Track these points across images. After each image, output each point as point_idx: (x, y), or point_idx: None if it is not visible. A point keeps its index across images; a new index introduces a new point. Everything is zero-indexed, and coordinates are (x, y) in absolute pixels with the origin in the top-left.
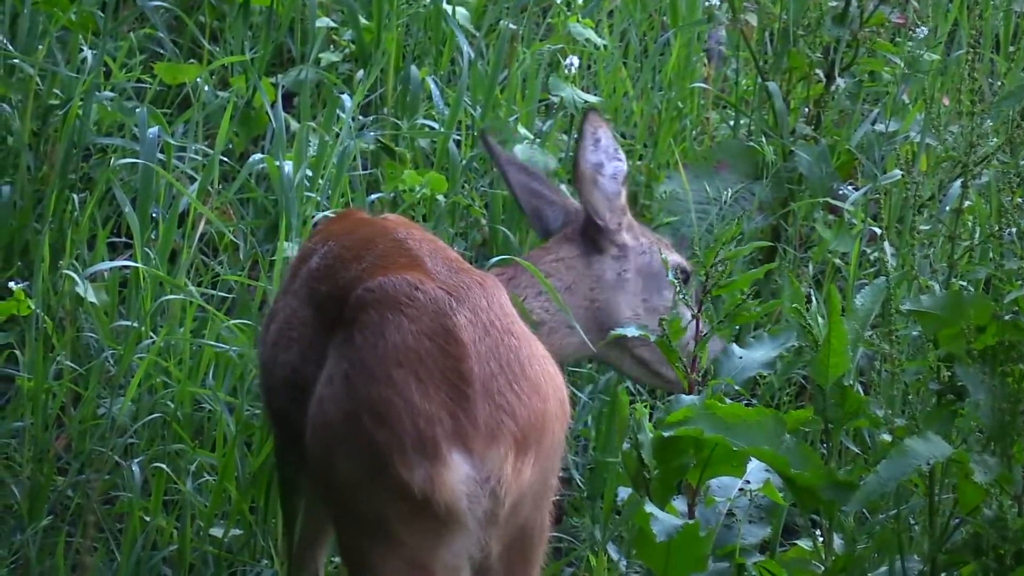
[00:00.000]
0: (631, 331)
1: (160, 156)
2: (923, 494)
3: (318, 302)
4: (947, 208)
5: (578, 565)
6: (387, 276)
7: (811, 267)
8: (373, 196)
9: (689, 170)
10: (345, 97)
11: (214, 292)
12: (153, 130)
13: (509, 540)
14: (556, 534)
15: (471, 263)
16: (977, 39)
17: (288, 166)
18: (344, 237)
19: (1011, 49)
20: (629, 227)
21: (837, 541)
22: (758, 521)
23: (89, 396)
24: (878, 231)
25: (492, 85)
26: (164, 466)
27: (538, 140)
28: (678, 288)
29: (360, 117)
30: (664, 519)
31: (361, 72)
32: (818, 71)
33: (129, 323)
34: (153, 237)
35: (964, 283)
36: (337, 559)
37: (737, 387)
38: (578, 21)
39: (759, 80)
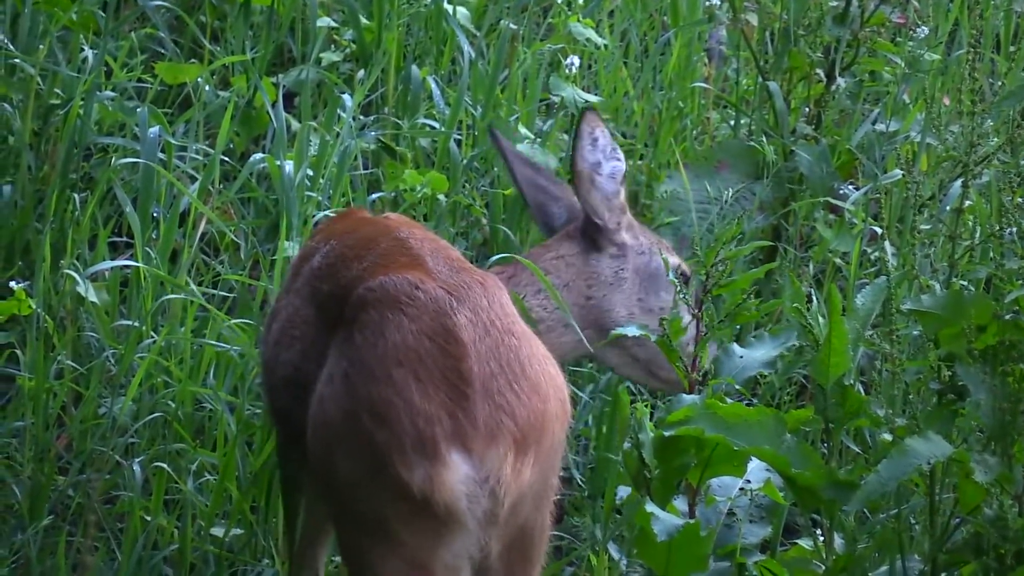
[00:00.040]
0: (632, 331)
1: (161, 156)
2: (924, 494)
3: (320, 301)
4: (948, 208)
5: (579, 564)
6: (388, 275)
7: (812, 267)
8: (374, 196)
9: (690, 170)
10: (346, 97)
11: (215, 292)
12: (154, 130)
13: (509, 540)
14: (557, 533)
15: (472, 262)
16: (978, 39)
17: (289, 166)
18: (346, 236)
19: (1012, 49)
20: (629, 226)
21: (838, 540)
22: (759, 520)
23: (90, 396)
24: (879, 231)
25: (493, 85)
26: (165, 466)
27: (539, 140)
28: (678, 288)
29: (361, 117)
30: (665, 518)
31: (362, 72)
32: (819, 71)
33: (130, 323)
34: (154, 237)
35: (965, 283)
36: (337, 559)
37: (738, 387)
38: (579, 21)
39: (760, 80)
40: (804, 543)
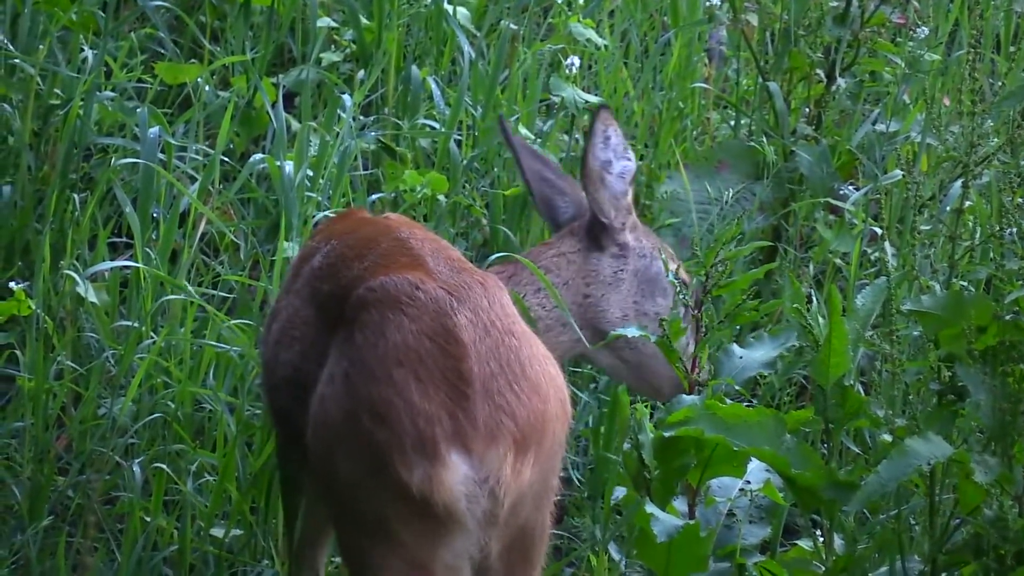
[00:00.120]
0: (632, 332)
1: (161, 156)
2: (924, 494)
3: (320, 301)
4: (948, 208)
5: (579, 565)
6: (388, 275)
7: (812, 267)
8: (374, 196)
9: (690, 170)
10: (346, 97)
11: (215, 292)
12: (154, 130)
13: (509, 540)
14: (557, 534)
15: (472, 263)
16: (978, 39)
17: (289, 166)
18: (346, 236)
19: (1012, 49)
20: (633, 228)
21: (838, 541)
22: (759, 521)
23: (90, 396)
24: (879, 231)
25: (493, 85)
26: (165, 466)
27: (539, 140)
28: (678, 289)
29: (361, 117)
30: (665, 519)
31: (362, 72)
32: (819, 71)
33: (130, 323)
34: (154, 237)
35: (965, 283)
36: (337, 559)
37: (737, 387)
38: (579, 21)
39: (760, 80)
40: (804, 544)
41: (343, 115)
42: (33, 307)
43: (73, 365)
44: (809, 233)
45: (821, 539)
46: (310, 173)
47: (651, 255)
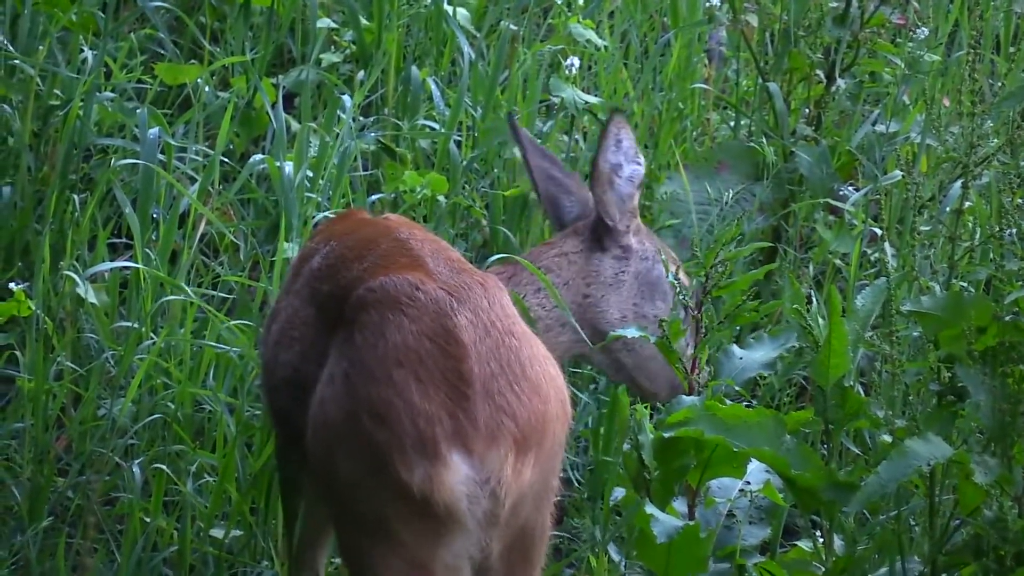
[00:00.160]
0: (631, 333)
1: (161, 157)
2: (923, 495)
3: (320, 302)
4: (947, 209)
5: (578, 566)
6: (388, 276)
7: (812, 268)
8: (374, 197)
9: (690, 171)
10: (346, 98)
11: (215, 293)
12: (154, 131)
13: (510, 541)
14: (557, 534)
15: (472, 264)
16: (977, 40)
17: (289, 167)
18: (346, 237)
19: (1011, 50)
20: (636, 231)
21: (837, 542)
22: (758, 522)
23: (89, 397)
24: (879, 232)
25: (493, 86)
26: (164, 467)
27: (539, 141)
28: (678, 290)
29: (361, 118)
30: (664, 520)
31: (362, 73)
32: (819, 72)
33: (129, 324)
34: (154, 238)
35: (965, 284)
36: (337, 560)
37: (737, 388)
38: (579, 22)
39: (760, 81)
40: (804, 544)
41: (343, 116)
42: (33, 308)
43: (73, 366)
44: (809, 234)
45: (821, 540)
46: (310, 174)
47: (653, 258)
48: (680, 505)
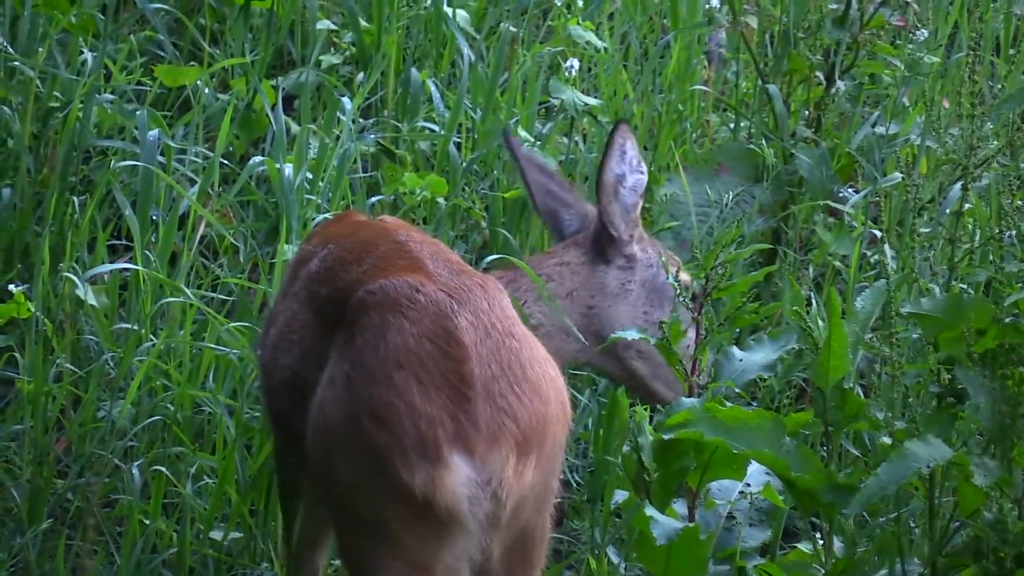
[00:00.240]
0: (631, 334)
1: (160, 158)
2: (923, 497)
3: (318, 305)
4: (947, 211)
5: (578, 568)
6: (388, 278)
7: (811, 270)
8: (373, 199)
9: (689, 173)
10: (345, 100)
11: (214, 295)
12: (153, 132)
13: (510, 542)
14: (556, 536)
15: (471, 265)
16: (977, 42)
17: (288, 169)
18: (344, 239)
19: (1011, 52)
20: (639, 239)
21: (837, 544)
22: (758, 524)
23: (89, 399)
24: (878, 234)
25: (492, 87)
26: (164, 469)
27: (538, 142)
28: (678, 291)
29: (360, 120)
30: (664, 522)
31: (361, 75)
32: (818, 74)
33: (129, 326)
34: (153, 240)
35: (964, 286)
36: (337, 561)
37: (737, 390)
38: (578, 23)
39: (759, 83)
40: (804, 547)
41: (343, 118)
42: (32, 310)
43: (72, 368)
44: (809, 236)
45: (821, 542)
46: (309, 176)
47: (657, 265)
48: (680, 507)
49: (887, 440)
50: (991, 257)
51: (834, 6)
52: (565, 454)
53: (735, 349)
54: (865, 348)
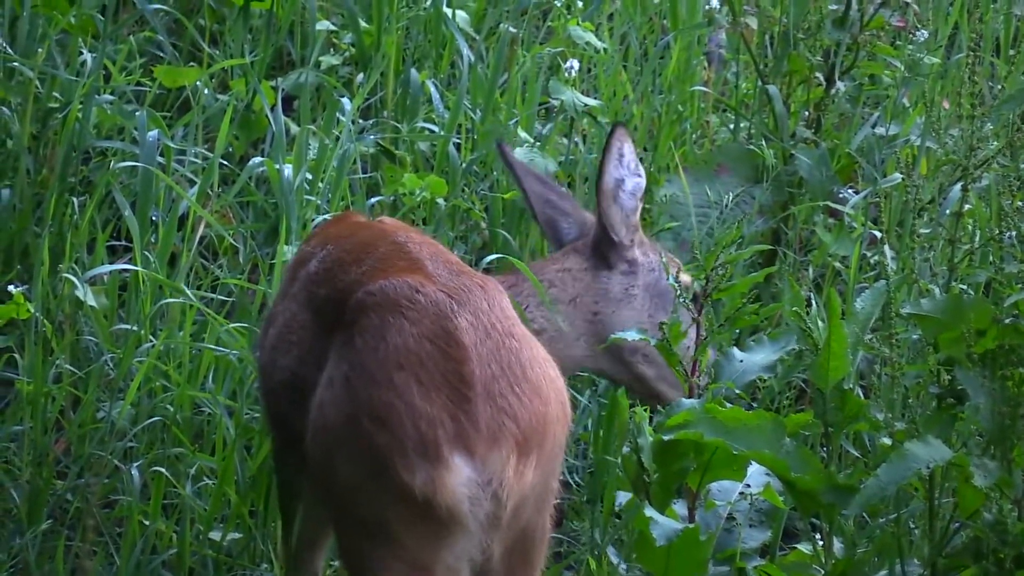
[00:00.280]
0: (631, 335)
1: (160, 159)
2: (923, 498)
3: (317, 305)
4: (947, 211)
5: (578, 568)
6: (388, 279)
7: (811, 270)
8: (373, 199)
9: (689, 173)
10: (345, 100)
11: (214, 296)
12: (153, 133)
13: (510, 542)
14: (556, 537)
15: (471, 266)
16: (977, 42)
17: (288, 169)
18: (343, 240)
19: (1011, 52)
20: (640, 243)
21: (837, 545)
22: (758, 525)
23: (88, 400)
24: (878, 234)
25: (492, 88)
26: (163, 470)
27: (538, 143)
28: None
29: (360, 120)
30: (664, 523)
31: (361, 75)
32: (818, 74)
33: (129, 327)
34: (153, 240)
35: (964, 287)
36: (337, 562)
37: (737, 391)
38: (578, 24)
39: (759, 83)
40: (803, 547)
41: (342, 118)
42: (32, 310)
43: (72, 368)
44: (808, 236)
45: (821, 543)
46: (309, 176)
47: (659, 268)
48: (680, 508)
49: (887, 441)
50: (991, 258)
51: (834, 7)
52: (565, 455)
53: (735, 350)
54: (865, 349)
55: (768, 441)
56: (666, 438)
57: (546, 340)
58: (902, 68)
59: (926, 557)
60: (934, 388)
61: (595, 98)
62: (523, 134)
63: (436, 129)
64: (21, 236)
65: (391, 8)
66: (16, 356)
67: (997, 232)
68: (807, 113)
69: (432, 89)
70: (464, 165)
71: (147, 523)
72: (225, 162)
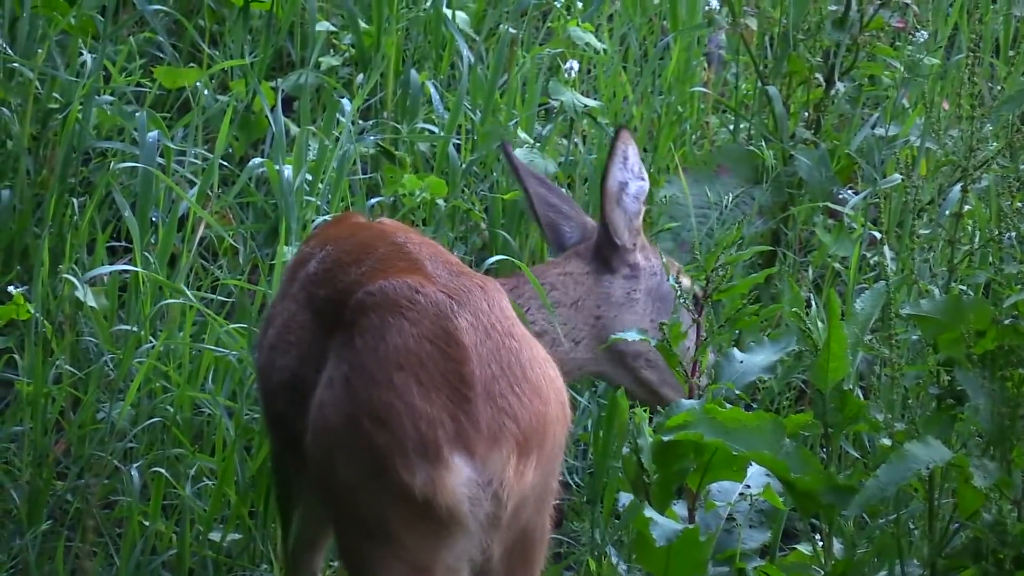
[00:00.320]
0: (631, 335)
1: (160, 160)
2: (923, 498)
3: (317, 306)
4: (947, 212)
5: (578, 569)
6: (387, 280)
7: (811, 271)
8: (373, 200)
9: (689, 174)
10: (345, 101)
11: (214, 296)
12: (153, 134)
13: (510, 543)
14: (556, 538)
15: (471, 267)
16: (977, 43)
17: (288, 170)
18: (342, 241)
19: (1011, 53)
20: (643, 248)
21: (837, 545)
22: (758, 525)
23: (88, 400)
24: (878, 235)
25: (492, 89)
26: (163, 470)
27: (538, 144)
28: (678, 293)
29: (360, 121)
30: (664, 523)
31: (361, 76)
32: (818, 75)
33: (128, 327)
34: (153, 241)
35: (964, 287)
36: (336, 562)
37: (737, 391)
38: (578, 25)
39: (759, 84)
40: (803, 548)
41: (342, 119)
42: (32, 311)
43: (72, 369)
44: (808, 237)
45: (820, 543)
46: (309, 177)
47: (661, 272)
48: (680, 508)
49: (887, 442)
50: (990, 259)
51: (834, 8)
52: (565, 455)
53: (735, 351)
54: (865, 350)
55: (768, 442)
56: (666, 439)
57: (547, 343)
58: (902, 69)
59: (926, 558)
60: (934, 389)
61: (595, 99)
62: (523, 135)
63: (436, 130)
64: (21, 237)
65: (391, 9)
66: (16, 357)
67: (996, 233)
68: (807, 114)
69: (432, 90)
70: (464, 166)
71: (147, 524)
72: (225, 163)
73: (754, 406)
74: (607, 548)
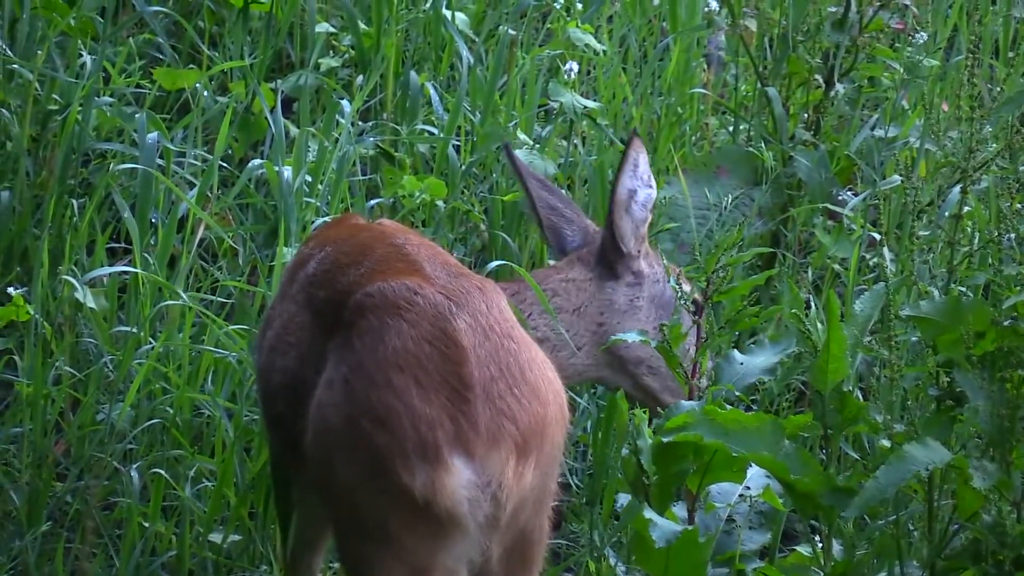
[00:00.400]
0: (631, 336)
1: (159, 161)
2: (922, 500)
3: (316, 307)
4: (946, 214)
5: (577, 570)
6: (386, 281)
7: (810, 273)
8: (372, 201)
9: (689, 176)
10: (344, 102)
11: (213, 298)
12: (152, 135)
13: (509, 544)
14: (555, 539)
15: (470, 269)
16: (976, 44)
17: (287, 171)
18: (342, 242)
19: (1010, 55)
20: (646, 255)
21: (836, 547)
22: (758, 527)
23: (88, 402)
24: (877, 236)
25: (491, 90)
26: (163, 472)
27: (537, 145)
28: (679, 299)
29: (359, 122)
30: (663, 525)
31: (360, 77)
32: (817, 76)
33: (128, 329)
34: (152, 242)
35: (963, 289)
36: (336, 564)
37: (737, 393)
38: (577, 26)
39: (758, 85)
40: (803, 549)
41: (342, 120)
42: (31, 312)
43: (71, 370)
44: (808, 239)
45: (820, 545)
46: (308, 179)
47: (663, 279)
48: (679, 510)
49: (886, 443)
50: (990, 260)
51: (833, 9)
52: (564, 456)
53: (735, 352)
54: (864, 351)
55: (767, 443)
56: (665, 440)
57: (549, 349)
58: (901, 70)
59: (925, 559)
60: (933, 390)
61: (594, 100)
62: (522, 136)
63: (435, 131)
64: (21, 238)
65: (390, 10)
66: (16, 358)
67: (996, 234)
68: (806, 115)
69: (431, 91)
70: (463, 167)
71: (147, 525)
72: (224, 164)
73: (754, 407)
74: (606, 549)
